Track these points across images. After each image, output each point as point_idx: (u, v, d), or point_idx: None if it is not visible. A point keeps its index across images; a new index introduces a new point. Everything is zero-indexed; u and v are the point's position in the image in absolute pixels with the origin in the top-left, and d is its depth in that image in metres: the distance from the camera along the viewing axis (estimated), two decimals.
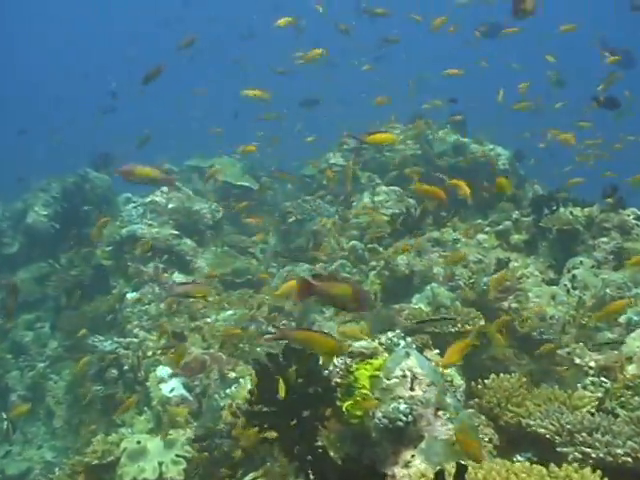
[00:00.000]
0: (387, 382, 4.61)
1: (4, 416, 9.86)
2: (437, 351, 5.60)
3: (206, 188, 13.10)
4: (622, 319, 7.08)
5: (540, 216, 8.73)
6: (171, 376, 8.30)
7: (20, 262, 12.69)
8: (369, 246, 9.97)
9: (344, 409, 4.62)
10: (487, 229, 9.02)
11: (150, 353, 8.82)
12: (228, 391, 6.59)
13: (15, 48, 47.92)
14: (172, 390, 8.14)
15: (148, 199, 11.20)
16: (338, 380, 4.86)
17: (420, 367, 4.66)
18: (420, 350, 5.50)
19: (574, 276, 7.71)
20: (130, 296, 10.01)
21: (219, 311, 9.58)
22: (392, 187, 11.16)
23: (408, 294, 8.20)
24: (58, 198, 12.98)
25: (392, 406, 4.48)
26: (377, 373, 4.67)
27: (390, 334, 5.39)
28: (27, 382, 10.80)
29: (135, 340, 9.20)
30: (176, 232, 10.66)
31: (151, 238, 10.51)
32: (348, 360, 4.98)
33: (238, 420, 5.87)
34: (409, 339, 5.44)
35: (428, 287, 7.84)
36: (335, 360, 4.97)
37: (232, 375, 8.31)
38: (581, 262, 7.89)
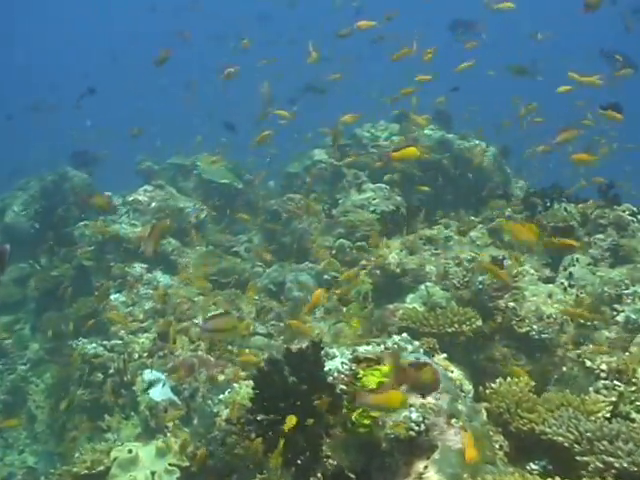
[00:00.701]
0: None
1: None
2: (444, 355, 5.35)
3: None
4: (620, 317, 6.91)
5: (534, 213, 8.54)
6: (158, 380, 8.01)
7: None
8: (357, 244, 9.75)
9: (352, 418, 4.36)
10: (480, 226, 8.79)
11: (136, 356, 8.51)
12: (222, 397, 6.30)
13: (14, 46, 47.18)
14: (160, 394, 7.84)
15: (130, 198, 10.88)
16: (344, 387, 4.60)
17: None
18: (427, 354, 5.24)
19: (571, 274, 7.52)
20: (114, 297, 9.69)
21: (206, 312, 9.30)
22: (379, 184, 10.93)
23: (401, 293, 7.97)
24: (37, 197, 12.63)
25: (403, 414, 4.25)
26: (385, 380, 4.42)
27: (396, 338, 5.15)
28: (7, 385, 10.44)
29: (120, 342, 8.88)
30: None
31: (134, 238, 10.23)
32: (353, 366, 4.73)
33: (234, 427, 5.61)
34: (416, 343, 5.20)
35: (422, 286, 7.61)
36: (339, 365, 4.73)
37: (221, 377, 8.06)
38: (577, 259, 7.70)
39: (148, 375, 8.06)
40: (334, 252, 9.89)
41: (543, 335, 6.83)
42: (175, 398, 7.86)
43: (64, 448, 9.61)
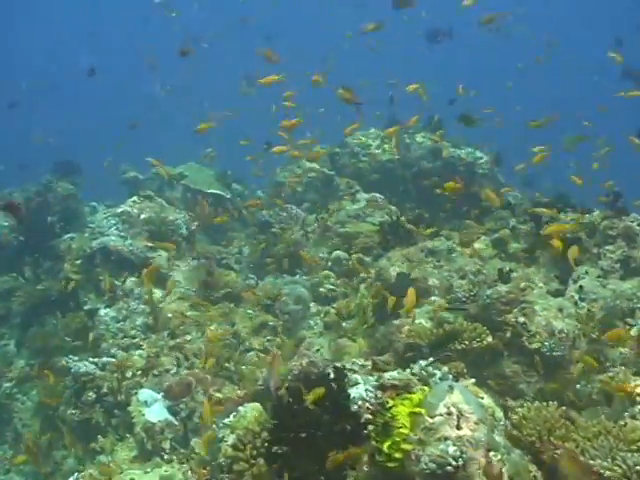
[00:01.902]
0: (430, 420, 4.04)
1: None
2: (473, 380, 5.02)
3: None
4: (634, 331, 6.65)
5: (539, 224, 8.24)
6: (155, 399, 7.63)
7: None
8: (354, 256, 9.43)
9: (383, 450, 4.02)
10: (483, 237, 8.48)
11: (130, 374, 8.12)
12: (227, 421, 5.94)
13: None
14: (156, 414, 7.47)
15: (120, 209, 10.47)
16: (369, 416, 4.26)
17: (466, 403, 4.10)
18: (456, 379, 4.90)
19: (581, 287, 7.23)
20: (104, 312, 9.28)
21: (200, 327, 8.94)
22: (373, 194, 10.63)
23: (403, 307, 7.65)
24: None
25: (440, 448, 3.91)
26: (418, 410, 4.09)
27: (423, 363, 4.81)
28: None
29: (112, 360, 8.47)
30: (150, 244, 9.96)
31: (124, 251, 9.83)
32: (379, 393, 4.39)
33: (241, 453, 5.26)
34: (445, 369, 4.86)
35: (429, 301, 7.30)
36: (363, 392, 4.39)
37: (218, 396, 7.71)
38: (586, 272, 7.42)
39: (143, 395, 7.67)
40: (330, 264, 9.57)
41: (555, 352, 6.53)
42: (172, 418, 7.50)
43: (52, 467, 9.25)
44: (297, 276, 9.74)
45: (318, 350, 7.96)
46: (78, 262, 10.26)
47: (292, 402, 4.25)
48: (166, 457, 7.19)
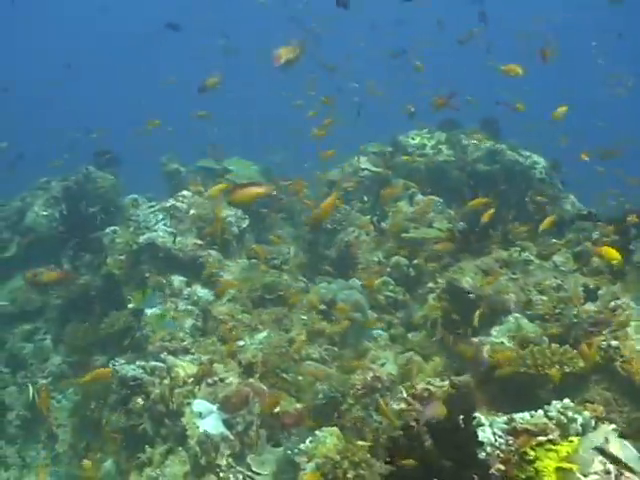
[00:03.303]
0: (584, 479, 3.40)
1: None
2: (613, 426, 4.38)
3: None
4: None
5: (628, 237, 7.55)
6: (210, 411, 7.03)
7: (17, 267, 11.30)
8: (415, 262, 8.81)
9: None
10: (563, 250, 7.81)
11: (181, 382, 7.51)
12: (303, 446, 5.34)
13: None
14: (211, 427, 6.87)
15: (168, 203, 9.87)
16: (501, 467, 3.64)
17: (625, 458, 3.46)
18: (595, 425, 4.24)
19: None
20: (150, 312, 8.69)
21: (252, 333, 8.33)
22: (431, 197, 9.99)
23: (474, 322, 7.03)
24: (59, 198, 11.62)
25: None
26: (568, 466, 3.45)
27: (559, 405, 4.17)
28: (27, 400, 9.43)
29: (161, 365, 7.88)
30: (200, 241, 9.36)
31: (173, 248, 9.25)
32: (510, 439, 3.76)
33: None
34: (586, 413, 4.21)
35: (511, 318, 6.66)
36: (491, 437, 3.76)
37: (276, 410, 7.12)
38: None
39: (198, 406, 7.07)
40: (389, 270, 8.95)
41: None
42: (228, 432, 6.89)
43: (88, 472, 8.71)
44: (352, 280, 9.10)
45: (383, 364, 7.36)
46: (122, 257, 9.67)
47: (409, 443, 3.63)
48: (222, 475, 6.60)
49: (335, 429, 5.47)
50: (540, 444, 3.67)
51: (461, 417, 3.68)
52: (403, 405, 6.31)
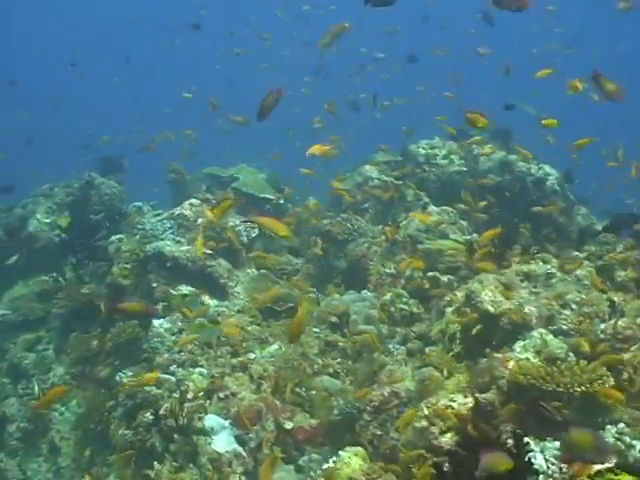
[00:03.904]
0: None
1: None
2: None
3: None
4: None
5: None
6: (222, 427, 6.77)
7: (18, 275, 11.03)
8: (430, 274, 8.56)
9: None
10: (586, 263, 7.55)
11: (191, 396, 7.25)
12: (325, 467, 5.08)
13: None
14: (224, 444, 6.61)
15: (176, 212, 9.61)
16: None
17: None
18: None
19: None
20: (157, 323, 8.42)
21: (263, 345, 8.07)
22: (443, 207, 9.75)
23: (496, 338, 6.77)
24: (63, 205, 11.35)
25: None
26: None
27: (614, 430, 3.91)
28: (28, 412, 9.15)
29: (170, 378, 7.62)
30: (209, 251, 9.10)
31: (181, 258, 9.00)
32: (563, 466, 3.50)
33: None
34: None
35: (536, 333, 6.39)
36: (542, 463, 3.50)
37: (289, 426, 6.86)
38: None
39: (210, 421, 6.81)
40: (403, 282, 8.70)
41: None
42: (240, 449, 6.63)
43: None
44: (364, 292, 8.85)
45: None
46: (128, 266, 9.40)
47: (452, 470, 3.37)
48: None
49: (359, 449, 5.20)
50: (599, 473, 3.40)
51: (511, 441, 3.42)
52: (425, 423, 6.07)
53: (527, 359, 6.14)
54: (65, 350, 9.69)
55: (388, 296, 8.56)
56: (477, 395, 5.95)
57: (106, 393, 8.59)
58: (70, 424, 9.10)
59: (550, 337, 6.35)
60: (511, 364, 6.11)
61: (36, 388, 8.72)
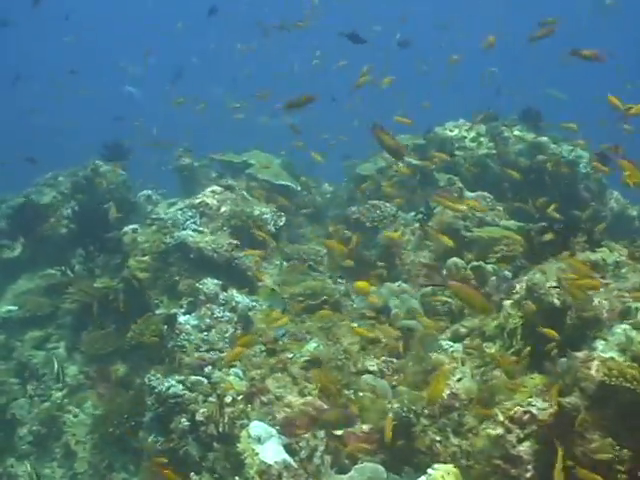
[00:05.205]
0: None
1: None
2: None
3: None
4: None
5: None
6: (269, 435, 6.05)
7: (22, 268, 10.25)
8: (473, 264, 7.87)
9: None
10: None
11: (229, 399, 6.51)
12: None
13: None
14: (273, 454, 5.89)
15: (197, 200, 8.86)
16: None
17: None
18: None
19: None
20: (184, 320, 7.68)
21: (299, 343, 7.35)
22: (480, 192, 9.08)
23: (562, 334, 6.07)
24: (68, 195, 10.57)
25: None
26: None
27: None
28: (40, 415, 8.42)
29: (202, 380, 6.89)
30: (236, 241, 8.36)
31: (207, 249, 8.25)
32: None
33: None
34: None
35: (619, 329, 5.72)
36: None
37: (339, 432, 6.16)
38: None
39: (256, 429, 6.08)
40: (445, 272, 8.00)
41: None
42: (290, 460, 5.92)
43: None
44: (400, 284, 8.15)
45: (459, 380, 6.41)
46: (146, 258, 8.64)
47: None
48: None
49: (451, 467, 4.49)
50: None
51: None
52: (500, 430, 5.42)
53: (612, 358, 5.47)
54: (77, 348, 8.92)
55: (429, 288, 7.87)
56: (561, 400, 5.30)
57: (130, 395, 7.88)
58: (86, 427, 8.35)
59: (634, 333, 5.68)
60: (595, 364, 5.45)
61: (55, 365, 7.93)
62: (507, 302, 6.76)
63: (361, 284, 7.32)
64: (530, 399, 5.49)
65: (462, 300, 5.55)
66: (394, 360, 7.15)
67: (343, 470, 6.08)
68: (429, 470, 4.47)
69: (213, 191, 9.05)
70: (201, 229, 8.55)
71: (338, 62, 13.62)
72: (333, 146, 13.23)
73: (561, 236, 6.87)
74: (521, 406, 5.48)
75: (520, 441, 5.35)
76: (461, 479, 4.33)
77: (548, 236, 6.90)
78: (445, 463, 5.42)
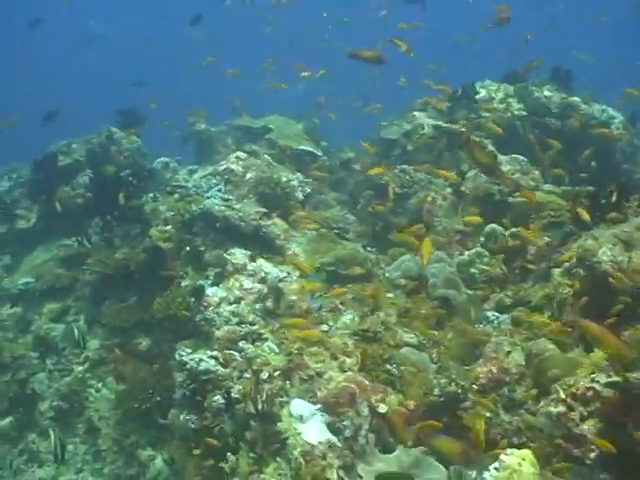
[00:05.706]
0: None
1: (52, 434, 7.11)
2: None
3: None
4: None
5: None
6: (312, 414, 5.68)
7: (38, 239, 9.85)
8: (512, 231, 7.48)
9: None
10: None
11: (265, 375, 6.13)
12: (488, 475, 4.00)
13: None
14: (316, 434, 5.53)
15: (222, 167, 8.43)
16: None
17: None
18: None
19: None
20: (211, 292, 7.29)
21: (334, 315, 6.98)
22: (513, 155, 8.65)
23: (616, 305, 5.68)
24: (83, 163, 10.14)
25: None
26: None
27: None
28: (61, 389, 8.07)
29: (236, 355, 6.51)
30: (264, 209, 7.95)
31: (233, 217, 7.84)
32: None
33: None
34: None
35: None
36: None
37: (383, 409, 5.80)
38: None
39: (298, 407, 5.72)
40: (483, 240, 7.61)
41: None
42: (335, 439, 5.56)
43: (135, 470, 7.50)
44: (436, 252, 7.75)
45: (509, 353, 6.04)
46: (168, 228, 8.24)
47: None
48: None
49: (527, 452, 4.11)
50: None
51: None
52: (562, 408, 5.05)
53: None
54: (98, 321, 8.55)
55: (466, 255, 7.48)
56: (627, 375, 4.93)
57: (154, 369, 7.53)
58: (109, 402, 8.01)
59: None
60: None
61: (76, 332, 7.56)
62: (556, 270, 6.38)
63: (402, 236, 7.02)
64: (593, 375, 5.11)
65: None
66: (434, 332, 6.79)
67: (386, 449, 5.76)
68: (502, 457, 4.08)
69: (237, 157, 8.62)
70: (227, 197, 8.12)
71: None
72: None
73: (613, 200, 6.44)
74: (584, 382, 5.10)
75: (583, 419, 4.98)
76: (538, 466, 3.95)
77: (606, 199, 6.46)
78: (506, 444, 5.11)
